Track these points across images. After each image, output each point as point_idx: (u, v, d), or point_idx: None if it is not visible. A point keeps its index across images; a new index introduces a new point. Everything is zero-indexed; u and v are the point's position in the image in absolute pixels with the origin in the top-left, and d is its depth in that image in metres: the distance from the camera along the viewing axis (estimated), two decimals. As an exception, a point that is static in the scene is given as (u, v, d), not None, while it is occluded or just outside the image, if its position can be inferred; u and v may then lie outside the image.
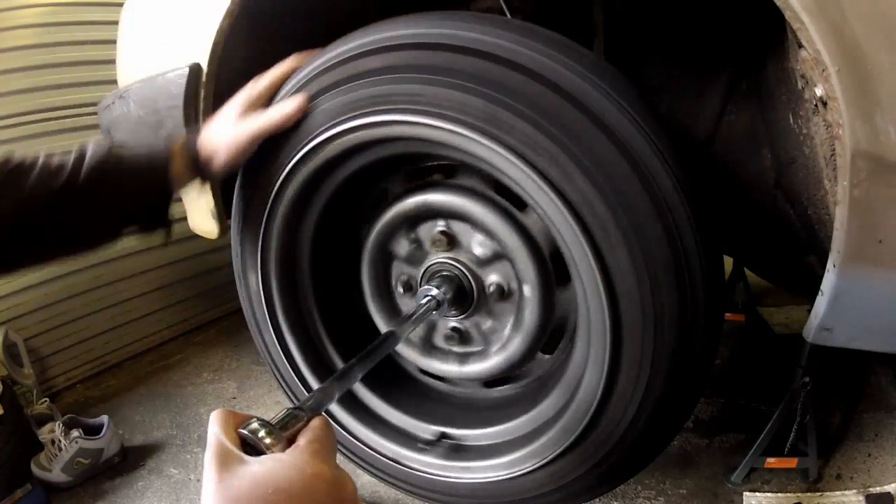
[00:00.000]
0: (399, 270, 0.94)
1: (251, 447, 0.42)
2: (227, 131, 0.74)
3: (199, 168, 0.76)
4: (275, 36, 0.98)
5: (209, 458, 0.40)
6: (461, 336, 0.92)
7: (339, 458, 0.53)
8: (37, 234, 0.72)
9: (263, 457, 0.42)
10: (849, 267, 0.58)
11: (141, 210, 0.78)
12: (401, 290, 0.95)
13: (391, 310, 0.98)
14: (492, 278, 0.86)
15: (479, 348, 0.93)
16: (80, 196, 0.72)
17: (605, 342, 0.70)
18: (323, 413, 0.51)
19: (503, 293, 0.86)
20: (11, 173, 0.70)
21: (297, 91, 0.79)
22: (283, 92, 0.82)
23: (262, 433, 0.43)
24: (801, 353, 1.04)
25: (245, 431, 0.43)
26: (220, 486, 0.38)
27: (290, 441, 0.46)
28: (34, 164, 0.71)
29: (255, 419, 0.44)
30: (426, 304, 0.79)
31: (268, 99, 0.77)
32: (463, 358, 0.94)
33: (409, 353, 0.98)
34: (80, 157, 0.73)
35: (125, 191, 0.75)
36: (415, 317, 0.75)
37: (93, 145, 0.75)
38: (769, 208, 0.93)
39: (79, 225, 0.75)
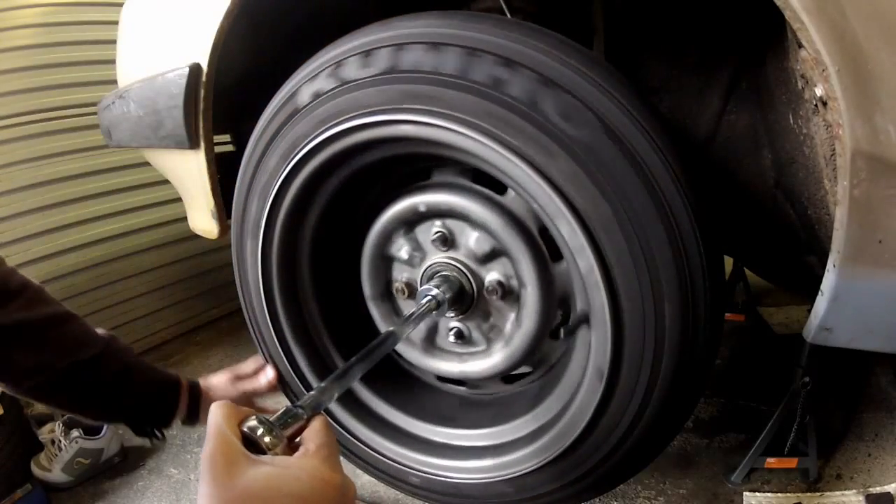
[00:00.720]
0: (399, 270, 0.94)
1: (251, 444, 0.42)
2: (223, 388, 0.95)
3: (194, 405, 0.92)
4: (274, 36, 0.99)
5: (212, 452, 0.39)
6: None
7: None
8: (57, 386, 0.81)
9: (275, 458, 0.42)
10: (849, 267, 0.58)
11: (141, 414, 0.90)
12: (401, 290, 0.95)
13: (391, 310, 0.98)
14: (491, 277, 0.86)
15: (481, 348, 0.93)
16: (101, 374, 0.83)
17: (605, 343, 0.70)
18: (322, 412, 0.51)
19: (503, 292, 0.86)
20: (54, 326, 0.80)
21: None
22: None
23: (261, 430, 0.43)
24: (801, 353, 1.04)
25: (247, 429, 0.43)
26: (227, 483, 0.37)
27: (290, 440, 0.46)
28: (62, 319, 0.81)
29: (254, 416, 0.44)
30: (426, 304, 0.79)
31: (252, 374, 0.99)
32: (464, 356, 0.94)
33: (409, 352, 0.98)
34: (113, 340, 0.86)
35: (135, 395, 0.88)
36: (415, 317, 0.76)
37: (121, 340, 0.89)
38: (769, 208, 0.93)
39: (87, 395, 0.84)
